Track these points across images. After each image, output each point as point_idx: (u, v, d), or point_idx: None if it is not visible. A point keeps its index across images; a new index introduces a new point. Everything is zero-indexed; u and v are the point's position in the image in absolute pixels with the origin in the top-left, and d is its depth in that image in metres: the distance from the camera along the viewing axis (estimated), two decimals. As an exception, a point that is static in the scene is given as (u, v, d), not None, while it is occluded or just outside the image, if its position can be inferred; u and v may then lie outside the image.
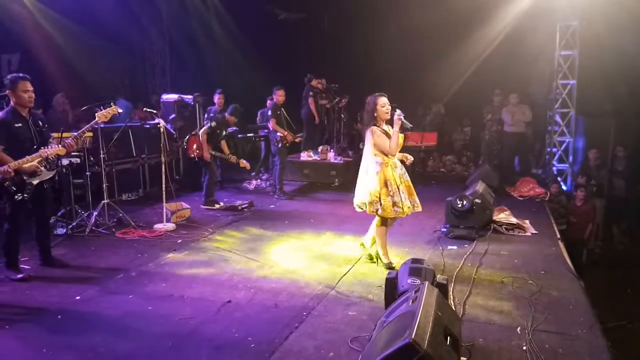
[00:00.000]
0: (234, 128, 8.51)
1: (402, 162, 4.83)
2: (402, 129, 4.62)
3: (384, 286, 3.95)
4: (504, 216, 6.17)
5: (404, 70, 10.76)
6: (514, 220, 6.08)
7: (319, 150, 9.53)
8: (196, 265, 4.96)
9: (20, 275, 4.52)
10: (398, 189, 4.59)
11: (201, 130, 7.23)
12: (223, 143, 7.46)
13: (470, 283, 4.41)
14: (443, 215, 6.22)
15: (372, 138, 4.61)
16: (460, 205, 5.77)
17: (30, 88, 4.57)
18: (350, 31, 11.03)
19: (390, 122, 4.72)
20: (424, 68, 10.44)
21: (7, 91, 4.57)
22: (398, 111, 4.60)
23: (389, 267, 4.76)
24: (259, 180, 9.17)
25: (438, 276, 3.48)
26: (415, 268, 3.48)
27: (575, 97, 9.62)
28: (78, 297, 4.16)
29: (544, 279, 4.53)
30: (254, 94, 10.04)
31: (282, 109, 8.08)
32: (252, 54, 11.32)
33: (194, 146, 7.22)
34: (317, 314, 3.86)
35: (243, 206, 7.18)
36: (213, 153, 7.26)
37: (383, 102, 4.64)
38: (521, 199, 7.97)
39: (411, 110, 11.89)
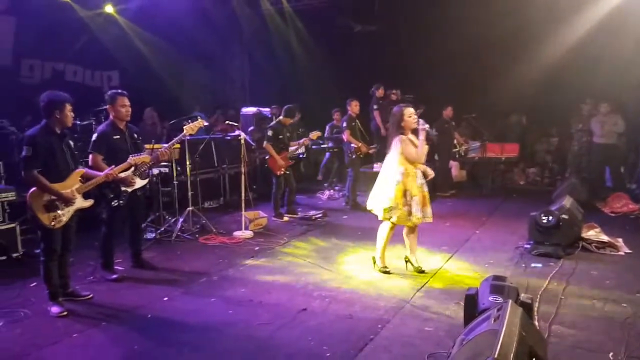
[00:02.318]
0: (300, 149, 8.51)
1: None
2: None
3: (461, 302, 3.86)
4: (593, 233, 5.76)
5: (481, 79, 10.44)
6: (605, 238, 5.66)
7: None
8: (272, 272, 5.11)
9: (114, 276, 4.90)
10: (412, 199, 4.71)
11: (268, 146, 7.31)
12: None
13: (557, 303, 4.16)
14: (525, 231, 5.93)
15: (400, 146, 4.73)
16: (545, 221, 5.47)
17: (128, 103, 4.96)
18: (426, 41, 10.88)
19: (415, 132, 4.88)
20: (502, 76, 10.05)
21: (107, 106, 5.00)
22: (422, 121, 4.81)
23: (385, 271, 4.86)
24: (332, 190, 9.27)
25: (522, 294, 3.32)
26: (498, 285, 3.35)
27: (672, 105, 8.82)
28: (166, 299, 4.43)
29: (639, 302, 4.17)
30: (331, 107, 10.18)
31: (357, 120, 8.13)
32: (328, 67, 11.52)
33: (280, 163, 7.29)
34: (392, 327, 3.82)
35: (317, 216, 7.29)
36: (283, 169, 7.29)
37: (410, 112, 4.81)
38: (613, 215, 7.41)
39: (490, 120, 11.61)
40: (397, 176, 4.72)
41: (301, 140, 7.69)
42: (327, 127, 9.90)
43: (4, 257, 5.23)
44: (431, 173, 4.99)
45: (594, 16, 8.83)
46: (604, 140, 8.84)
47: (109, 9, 9.86)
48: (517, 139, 10.91)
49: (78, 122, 7.17)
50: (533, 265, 5.19)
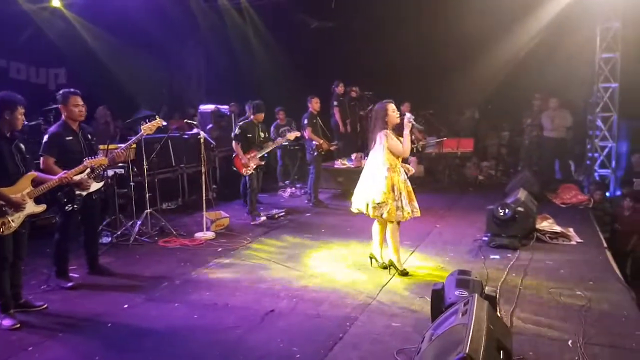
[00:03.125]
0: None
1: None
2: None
3: (426, 297, 3.94)
4: (547, 224, 6.02)
5: (436, 76, 10.66)
6: (557, 228, 5.93)
7: (353, 157, 9.53)
8: (237, 273, 5.03)
9: (70, 284, 4.68)
10: (401, 194, 4.73)
11: (235, 146, 7.11)
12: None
13: (516, 294, 4.31)
14: (482, 223, 6.12)
15: (386, 141, 4.73)
16: (502, 214, 5.65)
17: (81, 103, 4.74)
18: (381, 37, 11.00)
19: (397, 128, 4.90)
20: (456, 73, 10.31)
21: (59, 105, 4.76)
22: (408, 114, 4.86)
23: (404, 273, 4.83)
24: (293, 188, 9.23)
25: (486, 287, 3.42)
26: (463, 279, 3.43)
27: (617, 100, 9.32)
28: (126, 306, 4.27)
29: (593, 289, 4.38)
30: (291, 103, 10.12)
31: (318, 117, 8.12)
32: (286, 63, 11.44)
33: (246, 162, 7.01)
34: (360, 324, 3.84)
35: (279, 215, 7.24)
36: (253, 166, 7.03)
37: (393, 107, 4.85)
38: (564, 206, 7.76)
39: (444, 115, 11.88)
40: (384, 172, 4.69)
41: (278, 139, 7.52)
42: (272, 128, 9.76)
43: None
44: (412, 169, 5.05)
45: (546, 16, 9.17)
46: (553, 134, 9.24)
47: (55, 2, 9.41)
48: (471, 133, 11.23)
49: (26, 123, 6.75)
50: (492, 257, 5.35)
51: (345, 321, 3.88)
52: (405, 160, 5.10)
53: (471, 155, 10.53)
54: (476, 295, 3.02)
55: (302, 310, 4.13)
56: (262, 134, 7.21)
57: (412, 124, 4.87)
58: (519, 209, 5.66)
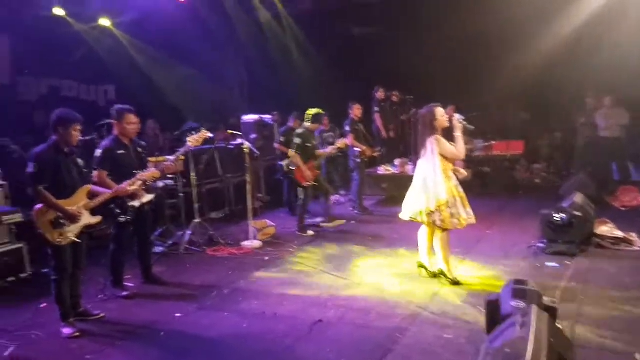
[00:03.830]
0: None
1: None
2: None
3: (480, 307, 3.80)
4: (607, 229, 5.70)
5: (481, 77, 10.38)
6: (619, 233, 5.60)
7: (396, 163, 9.41)
8: (284, 282, 5.03)
9: (125, 293, 4.83)
10: (455, 200, 4.57)
11: (292, 154, 7.00)
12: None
13: (578, 304, 4.09)
14: (536, 229, 5.86)
15: (437, 146, 4.59)
16: (558, 219, 5.40)
17: (135, 120, 4.91)
18: (424, 41, 10.85)
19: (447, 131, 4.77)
20: (501, 74, 10.00)
21: (113, 121, 4.93)
22: (457, 115, 4.72)
23: (455, 282, 4.67)
24: (337, 195, 9.19)
25: (545, 298, 3.25)
26: (519, 290, 3.27)
27: (679, 95, 8.74)
28: (178, 315, 4.36)
29: (661, 299, 4.11)
30: (332, 110, 10.12)
31: (360, 123, 8.07)
32: (326, 70, 11.47)
33: (305, 173, 6.82)
34: (410, 335, 3.75)
35: (324, 223, 7.21)
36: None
37: (442, 111, 4.71)
38: (624, 209, 7.34)
39: (490, 117, 11.56)
40: (439, 177, 4.57)
41: (328, 149, 7.29)
42: (316, 133, 9.77)
43: (12, 278, 5.15)
44: (464, 172, 4.89)
45: (591, 6, 8.74)
46: (608, 133, 8.79)
47: (104, 22, 9.81)
48: (520, 135, 10.86)
49: (80, 138, 7.08)
50: (548, 264, 5.12)
51: (395, 332, 3.80)
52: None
53: (520, 158, 10.16)
54: (534, 306, 2.88)
55: (351, 320, 4.08)
56: (314, 142, 7.10)
57: (464, 125, 4.76)
58: (576, 213, 5.39)
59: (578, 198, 5.83)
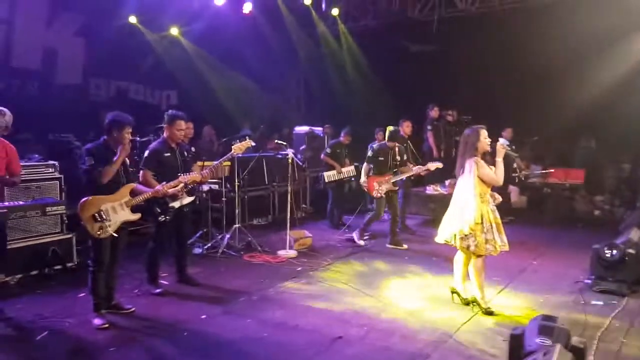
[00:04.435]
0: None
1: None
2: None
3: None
4: (665, 271, 5.22)
5: (544, 101, 9.94)
6: (679, 277, 5.12)
7: (447, 183, 9.15)
8: (312, 295, 5.01)
9: (158, 290, 5.00)
10: (491, 225, 4.41)
11: (365, 168, 7.10)
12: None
13: (618, 346, 3.77)
14: (588, 264, 5.48)
15: (476, 169, 4.45)
16: (609, 255, 5.03)
17: (184, 126, 5.11)
18: (484, 61, 10.57)
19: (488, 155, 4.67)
20: (567, 98, 9.52)
21: (165, 125, 5.16)
22: (502, 140, 4.44)
23: (488, 312, 4.46)
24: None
25: (574, 338, 3.02)
26: (546, 326, 3.06)
27: None
28: (204, 316, 4.45)
29: None
30: (383, 127, 10.06)
31: (409, 141, 7.94)
32: (382, 87, 11.44)
33: (375, 186, 6.88)
34: (431, 362, 3.61)
35: (364, 238, 7.13)
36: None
37: (485, 134, 4.57)
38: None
39: (555, 143, 11.01)
40: (476, 200, 4.44)
41: (415, 169, 7.04)
42: (370, 147, 9.73)
43: (59, 267, 5.48)
44: (499, 197, 4.74)
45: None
46: (681, 167, 8.10)
47: (174, 31, 10.35)
48: (585, 163, 10.25)
49: (138, 139, 7.47)
50: (593, 302, 4.77)
51: (416, 357, 3.68)
52: (494, 189, 4.75)
53: (581, 187, 9.58)
54: (559, 345, 2.68)
55: (372, 340, 3.98)
56: (398, 158, 6.98)
57: (507, 152, 4.58)
58: (630, 250, 4.99)
59: (635, 234, 5.40)
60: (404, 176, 7.07)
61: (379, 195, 6.88)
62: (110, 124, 4.35)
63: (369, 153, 7.08)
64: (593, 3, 8.67)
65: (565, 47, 9.36)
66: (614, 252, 5.01)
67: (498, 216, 4.53)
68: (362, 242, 7.04)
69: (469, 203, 4.44)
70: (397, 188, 7.06)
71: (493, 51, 10.32)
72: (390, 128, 7.05)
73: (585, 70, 9.32)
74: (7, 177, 4.33)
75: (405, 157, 7.08)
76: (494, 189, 4.66)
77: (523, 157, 10.23)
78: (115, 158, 4.23)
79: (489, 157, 4.69)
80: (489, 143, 4.57)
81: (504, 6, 9.77)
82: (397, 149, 7.01)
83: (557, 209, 9.45)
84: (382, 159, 6.95)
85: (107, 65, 9.26)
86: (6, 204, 4.06)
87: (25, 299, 4.72)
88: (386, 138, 7.11)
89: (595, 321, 4.30)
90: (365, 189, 7.09)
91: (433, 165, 7.11)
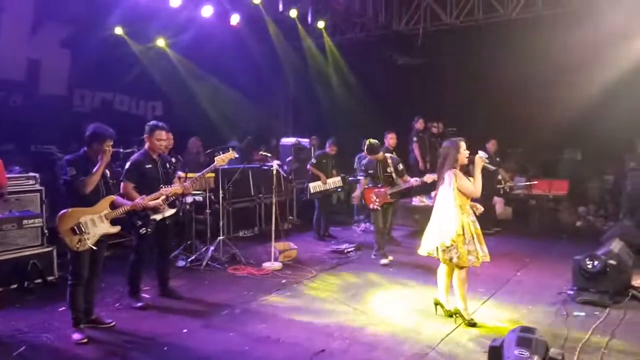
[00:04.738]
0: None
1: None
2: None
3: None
4: (646, 281, 5.28)
5: (529, 113, 10.05)
6: (659, 287, 5.17)
7: (432, 195, 9.15)
8: (295, 307, 4.98)
9: (139, 304, 4.93)
10: (473, 237, 4.44)
11: (361, 181, 7.08)
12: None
13: (597, 357, 3.79)
14: (571, 275, 5.52)
15: (455, 181, 4.48)
16: (590, 266, 5.07)
17: (164, 137, 5.08)
18: (470, 73, 10.70)
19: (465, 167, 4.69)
20: (551, 110, 9.65)
21: (145, 135, 5.13)
22: (481, 152, 4.62)
23: (471, 323, 4.47)
24: (368, 223, 9.07)
25: (552, 349, 3.03)
26: (525, 338, 3.07)
27: None
28: (185, 330, 4.39)
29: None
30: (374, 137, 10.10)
31: (394, 152, 7.97)
32: (368, 99, 11.52)
33: (372, 197, 6.79)
34: (412, 375, 3.59)
35: (349, 250, 7.12)
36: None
37: (464, 146, 4.62)
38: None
39: (540, 154, 11.13)
40: (456, 212, 4.46)
41: (412, 181, 6.86)
42: (356, 159, 9.75)
43: (39, 280, 5.39)
44: (480, 208, 4.78)
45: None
46: (661, 179, 8.24)
47: (160, 42, 10.33)
48: (569, 175, 10.38)
49: (121, 150, 7.41)
50: (575, 313, 4.79)
51: (398, 370, 3.65)
52: (475, 200, 4.78)
53: (565, 199, 9.68)
54: (536, 357, 2.69)
55: (354, 353, 3.96)
56: (389, 169, 6.86)
57: (485, 165, 4.61)
58: (611, 261, 5.03)
59: (616, 246, 5.45)
60: (401, 188, 6.91)
61: (375, 207, 6.79)
62: (90, 136, 4.31)
63: (362, 168, 7.06)
64: (575, 17, 8.85)
65: (550, 59, 9.51)
66: (595, 263, 5.05)
67: (478, 227, 4.55)
68: (386, 261, 6.68)
69: (450, 215, 4.46)
70: (392, 200, 6.92)
71: (478, 64, 10.47)
72: (369, 141, 6.91)
73: (571, 82, 9.42)
74: None
75: (401, 168, 6.96)
76: (475, 199, 4.70)
77: (508, 168, 10.34)
78: (95, 168, 4.19)
79: (471, 168, 4.72)
80: (468, 155, 4.61)
81: (488, 20, 9.92)
82: (388, 160, 6.91)
83: (542, 220, 9.54)
84: (371, 171, 6.91)
85: (92, 76, 9.20)
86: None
87: (4, 313, 4.63)
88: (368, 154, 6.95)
89: (577, 332, 4.31)
90: (354, 202, 7.00)
91: (430, 178, 6.99)
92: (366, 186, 6.98)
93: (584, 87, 9.29)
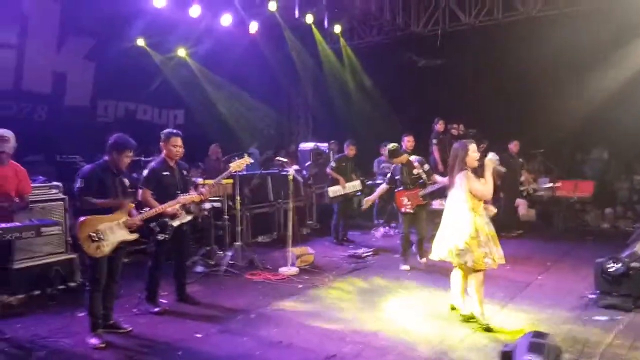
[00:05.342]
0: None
1: None
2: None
3: (504, 358, 3.51)
4: (672, 285, 5.07)
5: (554, 113, 9.82)
6: (686, 291, 4.97)
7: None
8: (310, 312, 4.98)
9: (156, 309, 5.01)
10: (488, 238, 4.37)
11: (382, 187, 7.04)
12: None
13: (619, 365, 3.67)
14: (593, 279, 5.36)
15: (467, 183, 4.42)
16: (612, 269, 4.92)
17: (180, 144, 5.15)
18: (491, 74, 10.54)
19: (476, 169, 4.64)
20: (578, 108, 9.41)
21: (161, 143, 5.24)
22: (491, 154, 4.56)
23: (487, 329, 4.38)
24: (387, 227, 9.02)
25: (564, 355, 2.95)
26: (536, 343, 3.01)
27: None
28: (199, 335, 4.44)
29: None
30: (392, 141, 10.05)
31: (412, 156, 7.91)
32: (388, 102, 11.47)
33: (404, 200, 6.72)
34: (424, 381, 3.55)
35: (366, 254, 7.10)
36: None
37: (474, 148, 4.58)
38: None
39: (565, 156, 10.86)
40: (469, 215, 4.42)
41: (440, 180, 6.68)
42: (375, 162, 9.73)
43: (62, 287, 5.54)
44: (493, 209, 4.73)
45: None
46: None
47: (181, 52, 10.55)
48: (597, 175, 10.10)
49: (143, 159, 7.58)
50: (597, 318, 4.65)
51: (409, 375, 3.62)
52: (497, 201, 4.72)
53: (591, 200, 9.41)
54: (546, 363, 2.63)
55: (366, 358, 3.94)
56: (415, 171, 6.73)
57: (496, 167, 4.57)
58: (634, 264, 4.87)
59: (640, 248, 5.28)
60: (432, 189, 6.76)
61: (408, 210, 6.69)
62: (111, 146, 4.44)
63: (386, 174, 7.00)
64: (597, 14, 8.64)
65: (573, 57, 9.29)
66: (618, 265, 4.90)
67: (493, 229, 4.48)
68: (407, 267, 6.63)
69: (463, 217, 4.41)
70: (424, 202, 6.78)
71: (499, 63, 10.30)
72: (390, 146, 6.86)
73: (596, 79, 9.22)
74: (17, 199, 4.54)
75: (427, 167, 6.85)
76: (495, 201, 4.64)
77: (531, 169, 10.13)
78: (102, 201, 4.29)
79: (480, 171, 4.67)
80: (477, 158, 4.56)
81: (508, 18, 9.77)
82: (414, 162, 6.80)
83: (566, 222, 9.30)
84: (398, 177, 6.79)
85: (115, 87, 9.47)
86: (2, 225, 4.14)
87: (25, 319, 4.77)
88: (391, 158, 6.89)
89: (597, 337, 4.19)
90: (365, 207, 7.13)
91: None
92: (396, 190, 6.81)
93: (610, 84, 9.07)
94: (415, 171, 6.76)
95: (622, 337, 4.18)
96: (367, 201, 7.14)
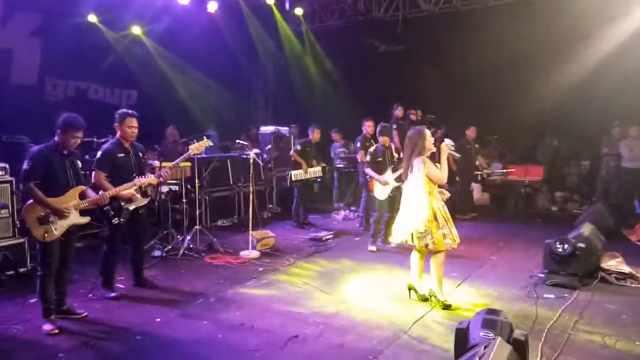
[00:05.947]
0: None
1: None
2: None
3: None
4: (614, 263, 5.39)
5: (507, 100, 10.12)
6: (626, 268, 5.29)
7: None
8: (271, 295, 4.99)
9: (112, 294, 4.89)
10: (445, 221, 4.55)
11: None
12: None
13: (565, 339, 3.88)
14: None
15: (424, 167, 4.55)
16: (560, 249, 5.17)
17: (135, 124, 4.98)
18: (450, 60, 10.73)
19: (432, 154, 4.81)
20: (529, 96, 9.74)
21: (116, 124, 5.05)
22: (447, 140, 4.74)
23: (446, 306, 4.57)
24: (347, 211, 9.11)
25: (516, 331, 3.09)
26: (490, 320, 3.13)
27: None
28: (158, 320, 4.38)
29: (658, 341, 3.84)
30: (349, 125, 10.11)
31: (372, 140, 7.99)
32: (348, 87, 11.49)
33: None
34: (382, 358, 3.64)
35: (327, 237, 7.15)
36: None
37: (429, 133, 4.74)
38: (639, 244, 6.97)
39: (518, 141, 11.25)
40: (426, 198, 4.53)
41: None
42: (332, 148, 9.82)
43: (11, 272, 5.30)
44: (447, 193, 4.86)
45: (620, 35, 8.47)
46: (632, 164, 8.41)
47: (136, 30, 10.15)
48: (548, 161, 10.55)
49: (95, 139, 7.30)
50: (545, 296, 4.89)
51: (369, 354, 3.70)
52: (453, 185, 4.88)
53: (541, 184, 9.83)
54: (499, 338, 2.74)
55: (327, 338, 3.99)
56: (395, 154, 6.85)
57: (451, 152, 4.76)
58: (580, 244, 5.14)
59: (586, 229, 5.57)
60: (399, 172, 6.65)
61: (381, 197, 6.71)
62: (59, 126, 4.22)
63: (368, 158, 6.83)
64: (555, 2, 8.92)
65: (529, 45, 9.57)
66: (565, 246, 5.15)
67: (447, 212, 4.64)
68: (374, 248, 6.73)
69: (421, 201, 4.52)
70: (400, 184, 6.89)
71: (457, 50, 10.49)
72: (383, 125, 6.92)
73: (550, 68, 9.55)
74: None
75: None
76: (451, 184, 4.78)
77: (487, 155, 10.45)
78: (44, 199, 4.08)
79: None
80: (433, 143, 4.71)
81: (466, 6, 9.94)
82: (393, 146, 6.87)
83: (518, 205, 9.69)
84: (380, 159, 6.79)
85: (64, 65, 8.99)
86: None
87: (-27, 306, 4.56)
88: (378, 136, 6.90)
89: (546, 314, 4.41)
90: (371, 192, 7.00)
91: None
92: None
93: (563, 73, 9.41)
94: (395, 154, 6.86)
95: (568, 314, 4.41)
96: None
